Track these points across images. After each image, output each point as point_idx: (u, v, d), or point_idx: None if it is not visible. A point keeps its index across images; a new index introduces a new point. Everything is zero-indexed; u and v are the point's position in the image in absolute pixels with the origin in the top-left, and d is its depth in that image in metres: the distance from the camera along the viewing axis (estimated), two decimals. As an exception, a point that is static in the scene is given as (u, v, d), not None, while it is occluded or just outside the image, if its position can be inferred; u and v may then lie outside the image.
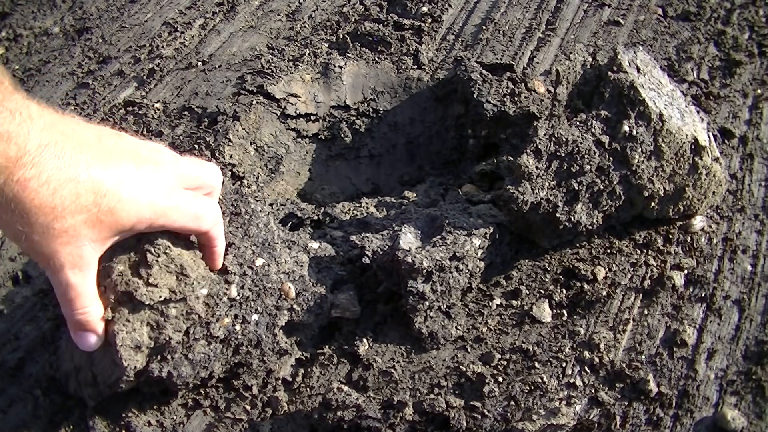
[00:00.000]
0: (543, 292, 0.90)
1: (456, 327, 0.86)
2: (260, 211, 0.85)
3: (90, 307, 0.68)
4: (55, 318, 0.91)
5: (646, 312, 0.87)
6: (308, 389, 0.83)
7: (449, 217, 0.90)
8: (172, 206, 0.68)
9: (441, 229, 0.89)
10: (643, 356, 0.83)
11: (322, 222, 1.03)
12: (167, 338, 0.73)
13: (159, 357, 0.75)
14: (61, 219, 0.60)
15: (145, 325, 0.72)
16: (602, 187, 0.88)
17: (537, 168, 0.87)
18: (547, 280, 0.91)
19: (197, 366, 0.77)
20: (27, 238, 0.60)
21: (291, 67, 1.26)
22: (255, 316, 0.80)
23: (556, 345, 0.85)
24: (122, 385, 0.74)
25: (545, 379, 0.81)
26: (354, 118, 1.25)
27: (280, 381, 0.83)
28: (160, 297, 0.72)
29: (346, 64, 1.27)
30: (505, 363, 0.83)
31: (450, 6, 1.38)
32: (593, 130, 0.88)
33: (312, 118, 1.24)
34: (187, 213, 0.69)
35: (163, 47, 1.33)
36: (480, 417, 0.78)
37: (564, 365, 0.82)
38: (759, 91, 1.15)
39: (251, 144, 1.18)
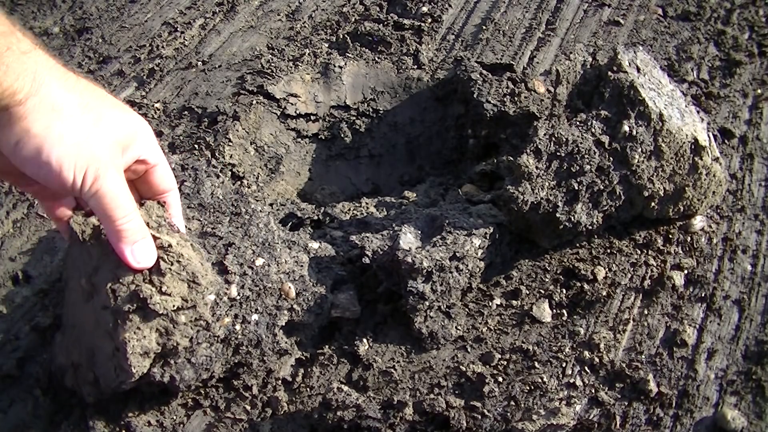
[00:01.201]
0: (543, 292, 0.90)
1: (456, 327, 0.86)
2: (260, 211, 0.86)
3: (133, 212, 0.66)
4: (55, 318, 0.91)
5: (646, 312, 0.87)
6: (308, 389, 0.83)
7: (449, 217, 0.90)
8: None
9: (441, 229, 0.89)
10: (643, 356, 0.83)
11: (322, 222, 1.03)
12: (175, 344, 0.73)
13: (162, 362, 0.75)
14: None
15: (155, 331, 0.72)
16: (602, 187, 0.88)
17: (537, 168, 0.87)
18: (547, 280, 0.91)
19: (199, 369, 0.77)
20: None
21: (291, 67, 1.26)
22: (255, 316, 0.80)
23: (556, 345, 0.85)
24: (124, 387, 0.74)
25: (545, 379, 0.81)
26: (354, 118, 1.25)
27: (280, 381, 0.83)
28: (173, 306, 0.71)
29: (346, 64, 1.27)
30: (505, 363, 0.83)
31: (450, 6, 1.38)
32: (593, 130, 0.88)
33: (312, 118, 1.24)
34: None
35: (163, 47, 1.33)
36: (480, 417, 0.78)
37: (564, 365, 0.82)
38: (759, 91, 1.15)
39: (251, 144, 1.18)
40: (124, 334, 0.70)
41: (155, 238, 0.70)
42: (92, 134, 0.62)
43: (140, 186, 0.72)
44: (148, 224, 0.69)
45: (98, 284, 0.72)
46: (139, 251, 0.67)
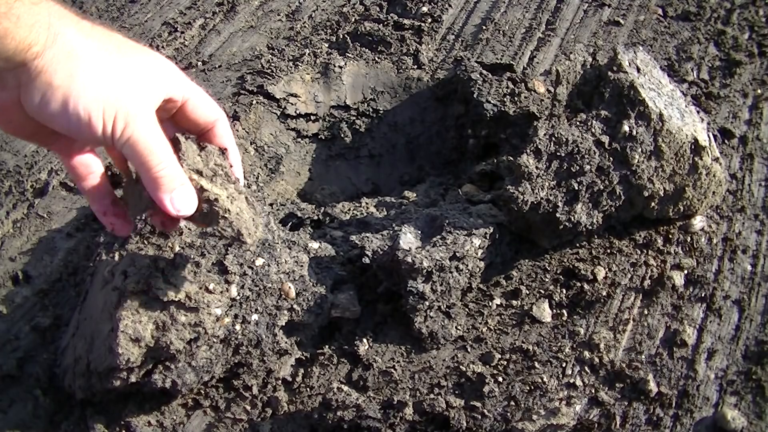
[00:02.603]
0: (543, 292, 0.90)
1: (456, 327, 0.86)
2: (260, 211, 0.86)
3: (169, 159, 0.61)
4: (55, 318, 0.91)
5: (646, 312, 0.87)
6: (308, 389, 0.83)
7: (449, 217, 0.90)
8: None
9: (441, 229, 0.89)
10: (643, 356, 0.83)
11: (322, 222, 1.03)
12: (168, 342, 0.73)
13: (162, 367, 0.75)
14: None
15: (152, 322, 0.73)
16: (602, 187, 0.88)
17: (537, 168, 0.87)
18: (547, 280, 0.91)
19: (201, 371, 0.77)
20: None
21: (291, 67, 1.26)
22: (255, 316, 0.80)
23: (556, 345, 0.85)
24: (114, 382, 0.74)
25: (545, 379, 0.81)
26: (354, 118, 1.25)
27: (280, 381, 0.83)
28: (176, 297, 0.73)
29: (346, 64, 1.27)
30: (505, 363, 0.83)
31: (450, 6, 1.38)
32: (593, 130, 0.88)
33: (312, 118, 1.24)
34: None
35: (163, 47, 1.33)
36: (480, 417, 0.78)
37: (564, 365, 0.82)
38: (759, 91, 1.15)
39: (251, 144, 1.18)
40: (122, 312, 0.71)
41: (203, 190, 0.65)
42: (116, 79, 0.58)
43: (182, 123, 0.67)
44: (202, 172, 0.66)
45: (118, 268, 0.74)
46: (179, 199, 0.62)
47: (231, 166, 0.69)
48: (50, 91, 0.55)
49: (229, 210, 0.66)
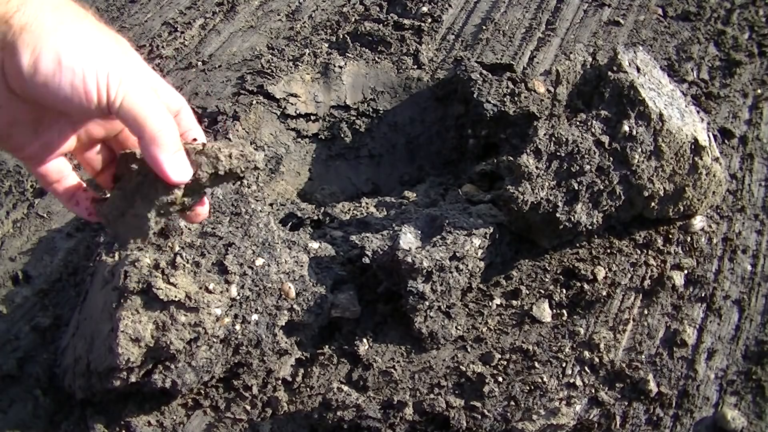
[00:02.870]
0: (543, 292, 0.90)
1: (456, 327, 0.86)
2: (260, 211, 0.86)
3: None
4: (55, 318, 0.91)
5: (646, 312, 0.87)
6: (308, 389, 0.83)
7: (449, 217, 0.90)
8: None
9: (441, 229, 0.89)
10: (643, 356, 0.83)
11: (322, 222, 1.03)
12: (168, 342, 0.73)
13: (162, 367, 0.76)
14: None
15: (152, 322, 0.73)
16: (602, 187, 0.88)
17: (537, 168, 0.87)
18: (547, 280, 0.91)
19: (201, 371, 0.77)
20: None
21: (291, 67, 1.26)
22: (255, 316, 0.80)
23: (556, 345, 0.85)
24: (114, 382, 0.74)
25: (545, 379, 0.81)
26: (354, 118, 1.25)
27: (280, 381, 0.83)
28: (176, 297, 0.73)
29: (346, 64, 1.27)
30: (505, 363, 0.83)
31: (450, 6, 1.38)
32: (593, 130, 0.88)
33: (312, 118, 1.24)
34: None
35: (163, 47, 1.33)
36: (480, 417, 0.78)
37: (564, 365, 0.82)
38: (759, 91, 1.15)
39: (251, 144, 1.18)
40: (122, 312, 0.72)
41: (186, 146, 0.62)
42: (102, 44, 0.55)
43: None
44: None
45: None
46: (178, 162, 0.59)
47: (196, 140, 0.66)
48: (39, 46, 0.51)
49: (219, 147, 0.64)
